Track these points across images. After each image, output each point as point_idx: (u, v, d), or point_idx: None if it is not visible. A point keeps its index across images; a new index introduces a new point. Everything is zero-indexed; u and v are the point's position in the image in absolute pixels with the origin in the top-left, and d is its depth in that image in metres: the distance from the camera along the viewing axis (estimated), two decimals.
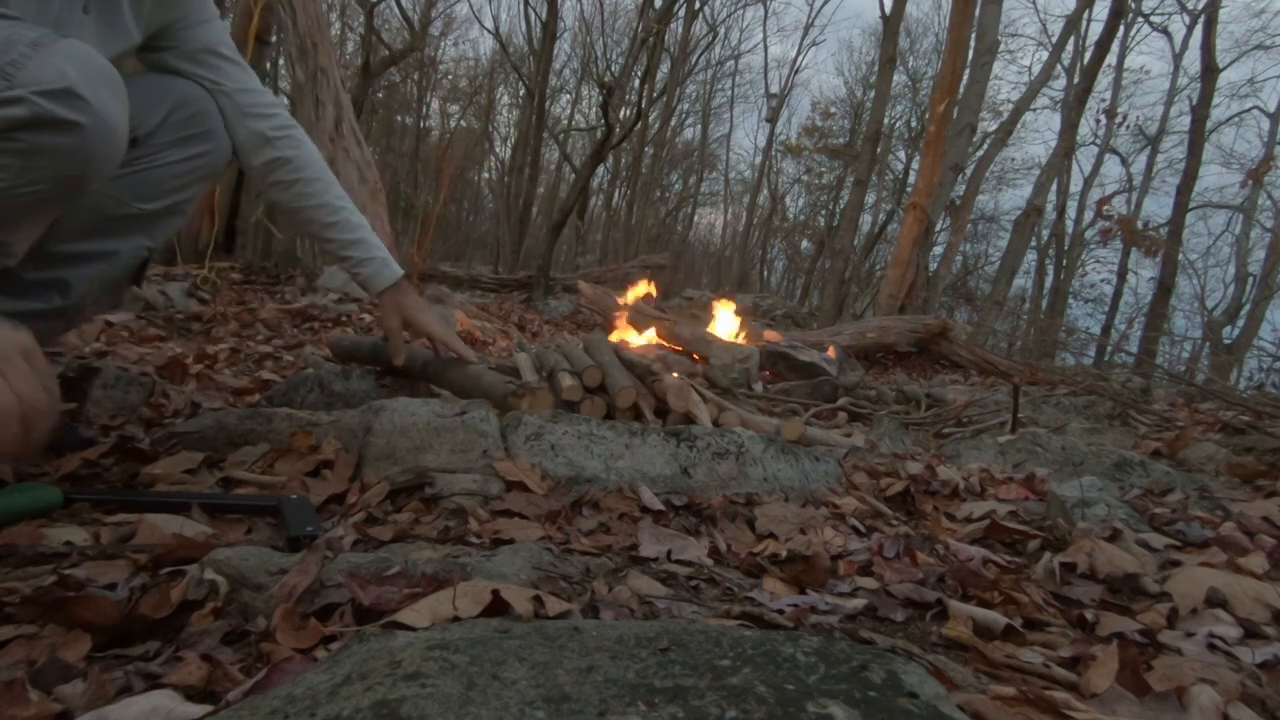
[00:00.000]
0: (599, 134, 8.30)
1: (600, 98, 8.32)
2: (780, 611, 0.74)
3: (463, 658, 0.47)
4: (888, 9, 11.89)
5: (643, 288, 5.78)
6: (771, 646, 0.50)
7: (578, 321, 6.35)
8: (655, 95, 17.34)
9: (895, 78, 13.69)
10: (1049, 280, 16.86)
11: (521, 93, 17.76)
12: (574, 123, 19.67)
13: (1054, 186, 13.54)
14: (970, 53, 7.86)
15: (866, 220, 17.69)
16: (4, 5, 0.84)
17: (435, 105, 19.88)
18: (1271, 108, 16.08)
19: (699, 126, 22.62)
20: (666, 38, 14.96)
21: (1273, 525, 1.18)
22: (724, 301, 5.25)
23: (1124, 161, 17.71)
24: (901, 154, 19.04)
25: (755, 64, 40.51)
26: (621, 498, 1.11)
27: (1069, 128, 11.70)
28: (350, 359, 1.84)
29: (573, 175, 15.49)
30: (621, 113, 10.02)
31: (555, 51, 13.92)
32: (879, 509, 1.24)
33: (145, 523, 0.85)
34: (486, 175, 21.73)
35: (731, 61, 21.84)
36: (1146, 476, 1.62)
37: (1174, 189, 11.35)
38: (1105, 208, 13.70)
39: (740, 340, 4.88)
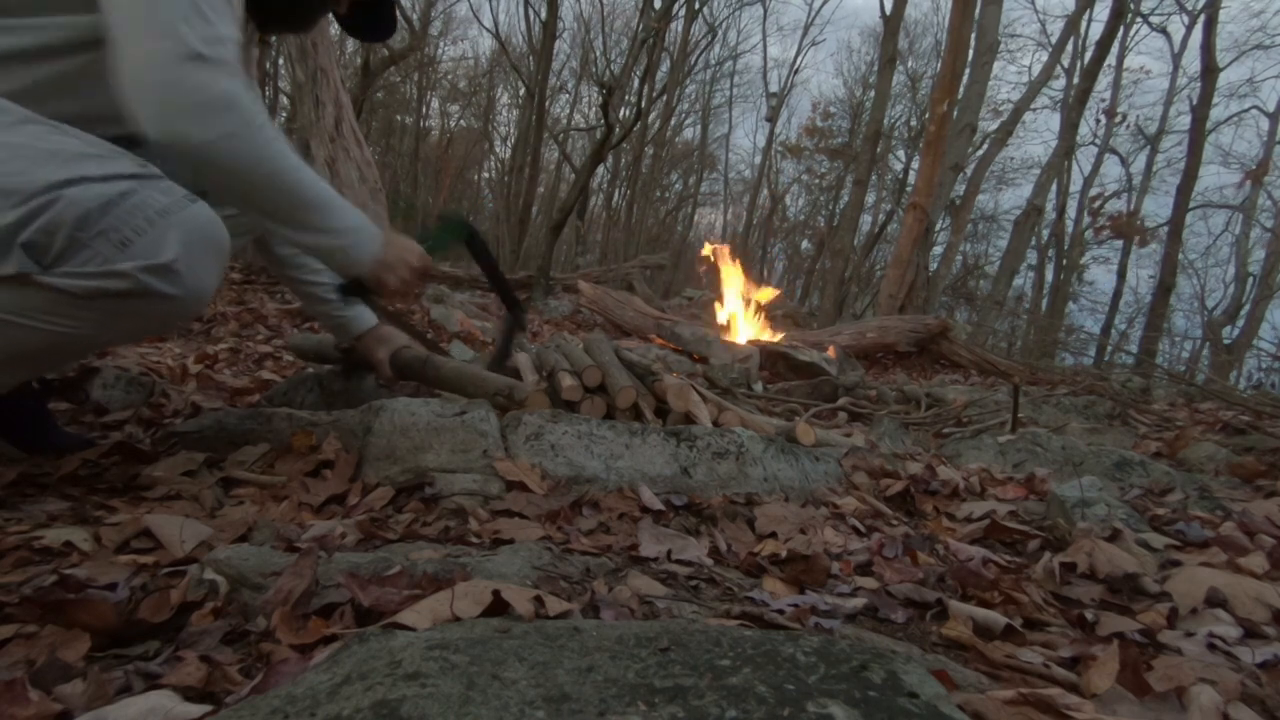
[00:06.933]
0: (599, 134, 8.29)
1: (600, 98, 8.32)
2: (780, 611, 0.74)
3: (463, 658, 0.47)
4: (888, 9, 11.89)
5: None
6: (771, 646, 0.50)
7: (578, 321, 6.35)
8: (655, 95, 17.34)
9: (895, 78, 13.69)
10: (1049, 280, 16.87)
11: (521, 93, 17.76)
12: (574, 123, 19.67)
13: (1054, 186, 13.54)
14: (970, 53, 7.86)
15: (866, 220, 17.71)
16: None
17: (435, 105, 19.90)
18: (1271, 107, 16.06)
19: (699, 126, 22.65)
20: (666, 38, 14.95)
21: (1273, 525, 1.18)
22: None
23: (1124, 161, 17.70)
24: (901, 154, 19.04)
25: (754, 64, 40.56)
26: (621, 497, 1.11)
27: (1069, 128, 11.70)
28: (319, 359, 1.81)
29: (573, 175, 15.48)
30: (621, 113, 10.01)
31: (555, 51, 13.90)
32: (879, 509, 1.24)
33: (145, 522, 0.85)
34: (486, 175, 21.75)
35: (730, 61, 21.87)
36: (1146, 476, 1.62)
37: (1174, 189, 11.36)
38: (1096, 204, 13.78)
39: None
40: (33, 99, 0.86)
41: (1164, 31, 16.13)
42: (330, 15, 1.21)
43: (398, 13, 1.27)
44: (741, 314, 5.94)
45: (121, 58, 0.82)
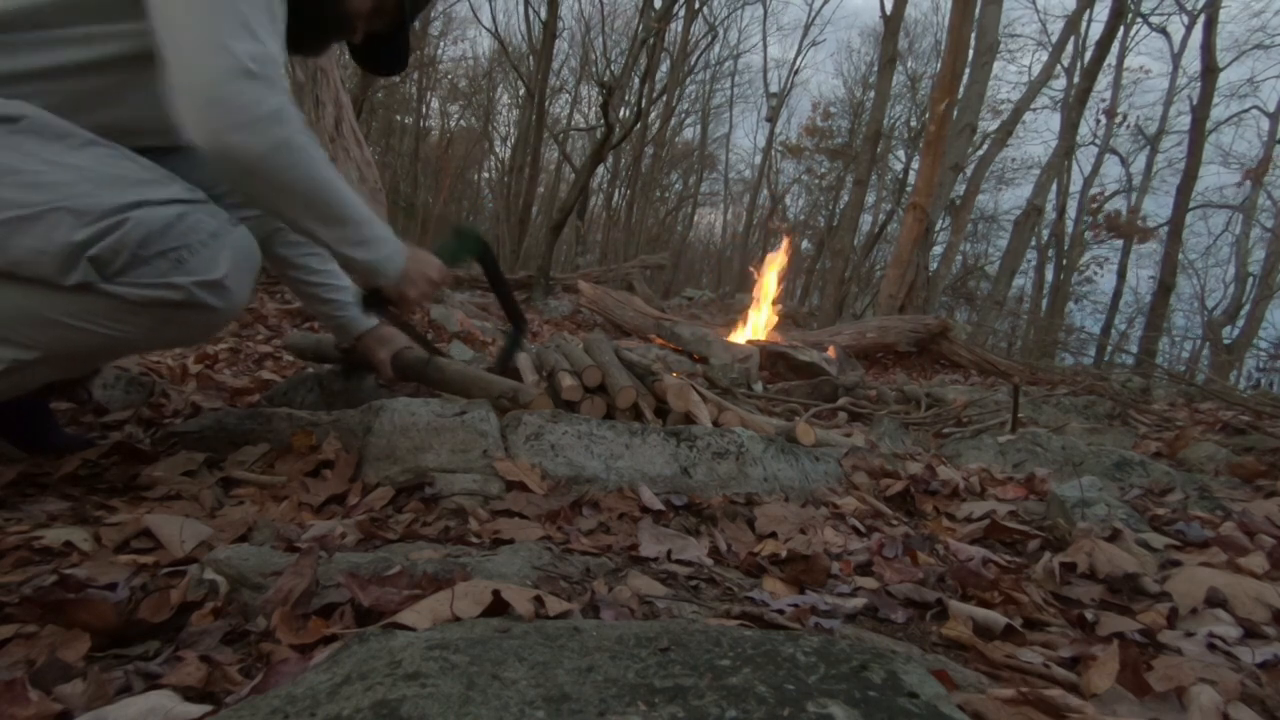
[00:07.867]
0: (599, 134, 8.29)
1: (600, 98, 8.31)
2: (780, 611, 0.74)
3: (463, 658, 0.47)
4: (888, 9, 11.90)
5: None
6: (771, 646, 0.50)
7: (578, 321, 6.35)
8: (655, 95, 17.34)
9: (895, 78, 13.69)
10: (1049, 280, 16.87)
11: (521, 93, 17.76)
12: (574, 123, 19.67)
13: (1054, 186, 13.54)
14: (970, 53, 7.86)
15: (866, 220, 17.72)
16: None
17: (435, 105, 19.90)
18: (1271, 107, 16.10)
19: (699, 126, 22.66)
20: (666, 38, 14.95)
21: (1273, 525, 1.18)
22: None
23: (1124, 161, 17.71)
24: (901, 154, 19.04)
25: (755, 64, 40.69)
26: (621, 497, 1.11)
27: (1069, 128, 11.70)
28: (317, 358, 1.80)
29: (573, 175, 15.47)
30: (621, 113, 10.00)
31: (555, 51, 13.90)
32: (879, 509, 1.24)
33: (145, 522, 0.85)
34: (486, 175, 21.77)
35: (730, 61, 21.88)
36: (1146, 476, 1.62)
37: (1174, 189, 11.36)
38: (1095, 204, 13.87)
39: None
40: (74, 111, 0.89)
41: (1164, 31, 16.15)
42: (344, 45, 1.20)
43: (410, 46, 1.25)
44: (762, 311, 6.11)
45: (174, 73, 0.85)
